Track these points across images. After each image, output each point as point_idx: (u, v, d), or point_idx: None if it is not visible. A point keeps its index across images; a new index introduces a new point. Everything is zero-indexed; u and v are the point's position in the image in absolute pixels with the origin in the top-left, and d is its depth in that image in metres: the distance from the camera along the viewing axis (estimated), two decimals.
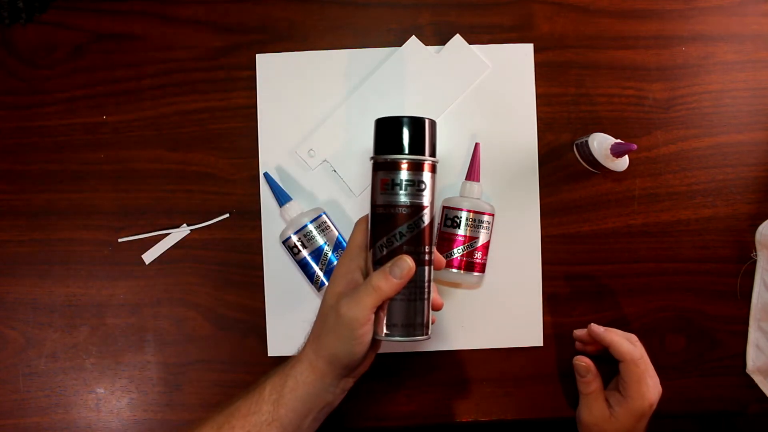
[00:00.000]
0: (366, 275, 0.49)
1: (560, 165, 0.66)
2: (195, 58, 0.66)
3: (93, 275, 0.66)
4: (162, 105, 0.66)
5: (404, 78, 0.66)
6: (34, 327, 0.65)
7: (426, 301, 0.49)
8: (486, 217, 0.61)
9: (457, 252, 0.61)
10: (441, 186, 0.66)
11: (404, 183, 0.47)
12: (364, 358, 0.49)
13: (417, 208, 0.47)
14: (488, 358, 0.66)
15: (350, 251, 0.50)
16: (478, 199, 0.63)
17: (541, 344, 0.66)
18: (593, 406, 0.59)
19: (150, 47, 0.66)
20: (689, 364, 0.66)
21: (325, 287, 0.61)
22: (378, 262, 0.48)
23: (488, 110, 0.66)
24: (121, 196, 0.66)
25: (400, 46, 0.66)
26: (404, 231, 0.47)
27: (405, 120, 0.48)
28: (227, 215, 0.66)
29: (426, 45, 0.66)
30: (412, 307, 0.48)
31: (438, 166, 0.50)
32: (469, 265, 0.61)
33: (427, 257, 0.48)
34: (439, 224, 0.63)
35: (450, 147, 0.66)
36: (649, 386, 0.57)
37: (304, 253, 0.61)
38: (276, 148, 0.66)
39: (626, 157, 0.62)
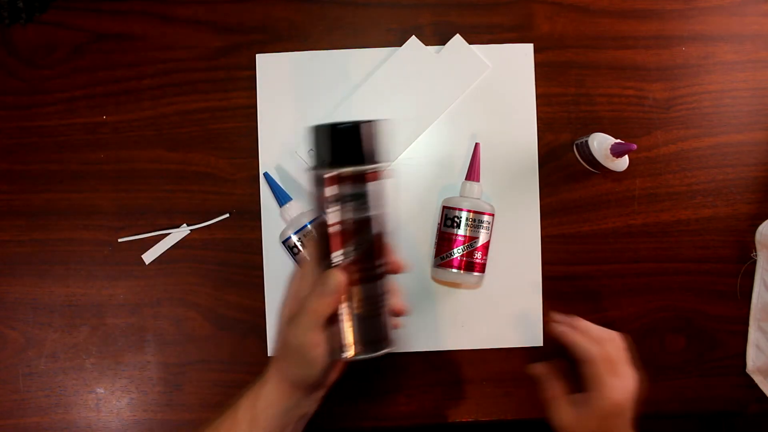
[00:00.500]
0: None
1: (560, 165, 0.66)
2: (195, 58, 0.66)
3: (93, 275, 0.66)
4: (162, 105, 0.66)
5: (404, 78, 0.66)
6: (34, 327, 0.65)
7: (382, 316, 0.45)
8: (486, 217, 0.62)
9: (457, 252, 0.61)
10: (441, 186, 0.66)
11: (345, 198, 0.43)
12: (328, 373, 0.49)
13: (362, 223, 0.44)
14: (488, 358, 0.66)
15: (303, 268, 0.48)
16: (478, 199, 0.63)
17: (541, 344, 0.66)
18: (558, 410, 0.57)
19: (150, 47, 0.66)
20: (689, 364, 0.66)
21: None
22: None
23: (488, 110, 0.66)
24: (121, 196, 0.66)
25: (400, 46, 0.66)
26: (350, 250, 0.44)
27: (338, 128, 0.43)
28: (227, 215, 0.66)
29: (426, 45, 0.66)
30: (368, 324, 0.45)
31: (388, 169, 0.45)
32: (469, 265, 0.61)
33: (380, 270, 0.45)
34: (439, 224, 0.63)
35: (450, 147, 0.66)
36: (612, 387, 0.53)
37: (304, 253, 0.61)
38: (276, 148, 0.66)
39: (626, 157, 0.62)
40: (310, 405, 0.50)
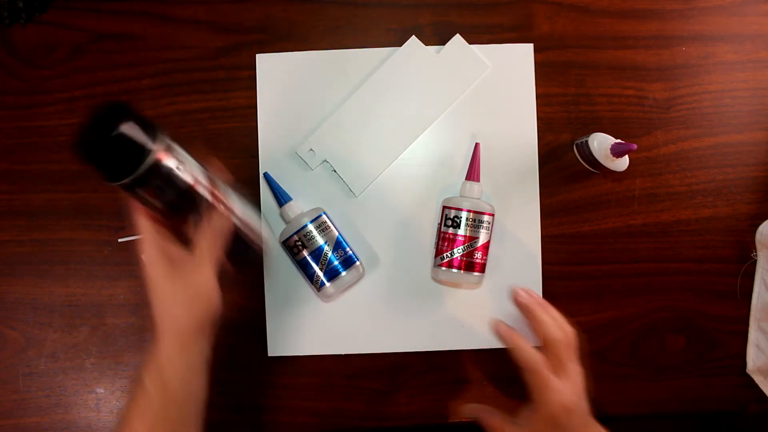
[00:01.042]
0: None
1: (560, 165, 0.66)
2: (195, 58, 0.66)
3: (93, 275, 0.66)
4: (162, 105, 0.66)
5: (404, 78, 0.66)
6: (34, 327, 0.65)
7: (246, 230, 0.54)
8: (486, 217, 0.62)
9: (457, 252, 0.61)
10: (441, 186, 0.66)
11: (157, 188, 0.45)
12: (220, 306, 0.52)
13: (188, 188, 0.47)
14: (488, 358, 0.66)
15: (151, 243, 0.51)
16: (478, 199, 0.63)
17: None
18: None
19: (150, 47, 0.66)
20: (689, 364, 0.66)
21: (321, 284, 0.61)
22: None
23: (488, 110, 0.66)
24: (122, 196, 0.66)
25: (400, 46, 0.66)
26: (196, 218, 0.49)
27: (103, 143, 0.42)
28: None
29: (426, 45, 0.66)
30: (241, 241, 0.54)
31: (169, 144, 0.46)
32: (469, 265, 0.61)
33: (226, 203, 0.51)
34: (439, 224, 0.63)
35: (450, 147, 0.66)
36: (555, 390, 0.52)
37: (304, 253, 0.61)
38: (276, 148, 0.66)
39: (626, 157, 0.62)
40: (208, 347, 0.52)
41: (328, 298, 0.65)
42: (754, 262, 0.66)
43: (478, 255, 0.61)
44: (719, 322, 0.66)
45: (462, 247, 0.61)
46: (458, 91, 0.66)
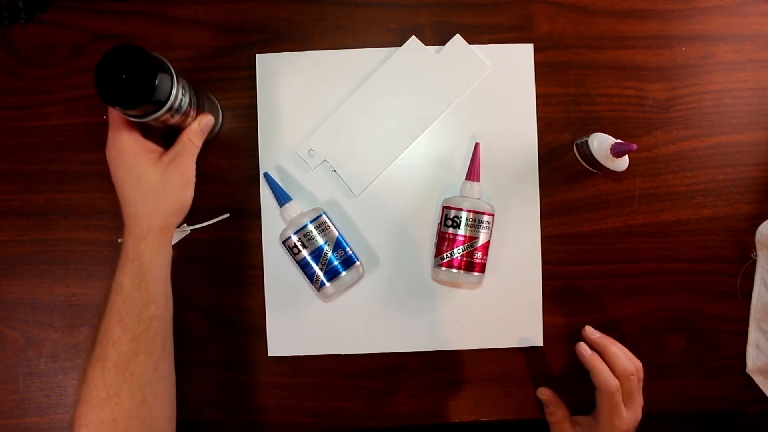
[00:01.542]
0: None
1: (560, 165, 0.66)
2: (195, 58, 0.66)
3: (93, 275, 0.66)
4: None
5: (404, 78, 0.66)
6: (34, 327, 0.65)
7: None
8: (486, 217, 0.62)
9: (457, 252, 0.61)
10: (441, 186, 0.66)
11: (168, 109, 0.53)
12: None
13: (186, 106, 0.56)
14: (488, 358, 0.66)
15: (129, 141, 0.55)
16: (478, 199, 0.63)
17: (541, 344, 0.66)
18: None
19: (150, 47, 0.66)
20: (689, 364, 0.66)
21: (321, 284, 0.61)
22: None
23: (488, 110, 0.66)
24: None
25: (400, 46, 0.66)
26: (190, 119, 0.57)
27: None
28: (227, 215, 0.66)
29: (426, 45, 0.66)
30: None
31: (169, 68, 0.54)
32: (469, 265, 0.61)
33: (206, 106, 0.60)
34: (439, 224, 0.63)
35: (450, 147, 0.66)
36: (621, 418, 0.57)
37: (304, 253, 0.61)
38: (276, 148, 0.66)
39: (626, 157, 0.62)
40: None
41: (328, 298, 0.65)
42: (754, 262, 0.66)
43: (478, 255, 0.61)
44: (719, 322, 0.66)
45: (462, 247, 0.61)
46: (458, 91, 0.66)
